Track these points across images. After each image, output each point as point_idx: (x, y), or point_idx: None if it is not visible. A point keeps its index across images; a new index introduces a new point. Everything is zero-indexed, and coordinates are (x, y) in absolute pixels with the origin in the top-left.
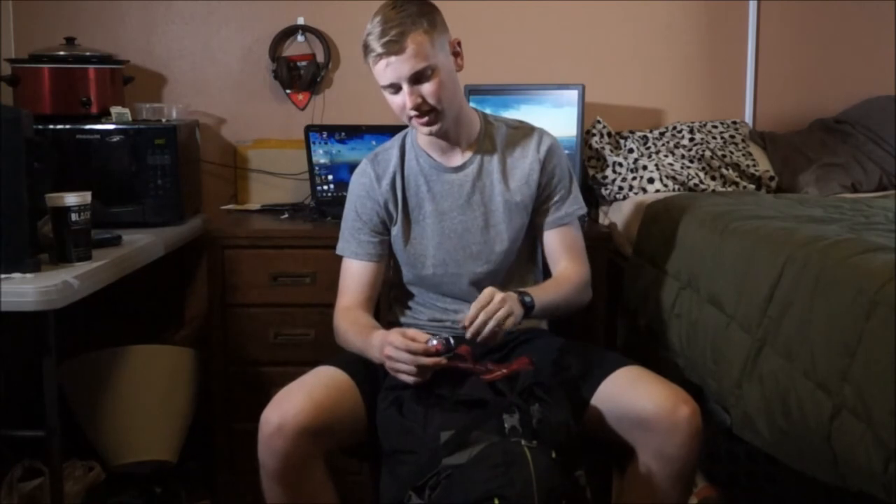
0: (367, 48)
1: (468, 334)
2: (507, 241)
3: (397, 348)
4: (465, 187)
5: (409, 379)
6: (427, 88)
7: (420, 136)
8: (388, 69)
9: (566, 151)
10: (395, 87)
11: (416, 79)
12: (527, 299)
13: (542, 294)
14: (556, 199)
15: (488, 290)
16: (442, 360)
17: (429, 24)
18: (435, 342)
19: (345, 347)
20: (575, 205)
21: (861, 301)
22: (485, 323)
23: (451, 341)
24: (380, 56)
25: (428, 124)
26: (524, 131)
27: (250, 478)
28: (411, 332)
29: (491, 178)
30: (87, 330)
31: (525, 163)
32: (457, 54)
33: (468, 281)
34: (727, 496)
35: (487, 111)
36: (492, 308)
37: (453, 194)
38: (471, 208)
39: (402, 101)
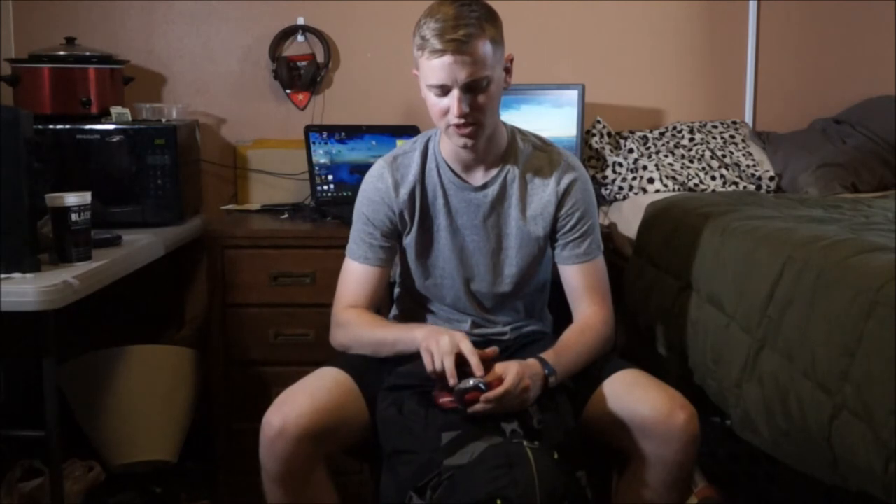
0: (423, 41)
1: (479, 406)
2: (515, 266)
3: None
4: (482, 208)
5: (431, 360)
6: (478, 100)
7: (444, 146)
8: (444, 69)
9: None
10: (444, 90)
11: (471, 87)
12: (551, 381)
13: (567, 360)
14: (576, 235)
15: (516, 375)
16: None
17: (496, 32)
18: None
19: (347, 342)
20: (595, 243)
21: (861, 301)
22: (500, 408)
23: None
24: (439, 53)
25: (467, 136)
26: (550, 156)
27: (250, 478)
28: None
29: (510, 203)
30: (87, 330)
31: (544, 194)
32: (508, 70)
33: (474, 298)
34: (727, 496)
35: None
36: (512, 396)
37: (470, 213)
38: (485, 230)
39: (446, 106)
